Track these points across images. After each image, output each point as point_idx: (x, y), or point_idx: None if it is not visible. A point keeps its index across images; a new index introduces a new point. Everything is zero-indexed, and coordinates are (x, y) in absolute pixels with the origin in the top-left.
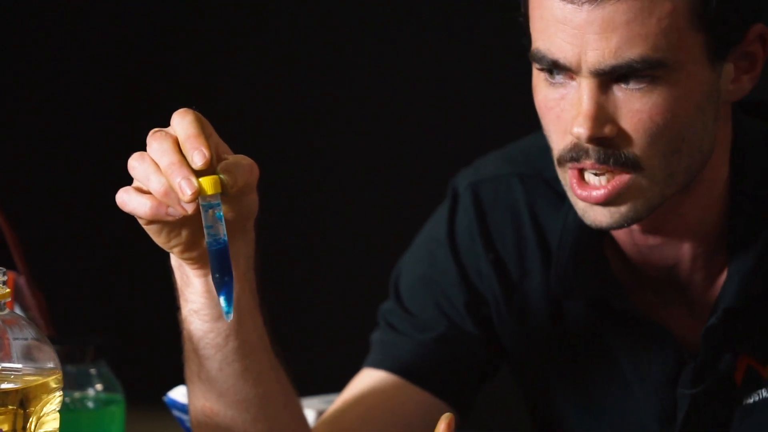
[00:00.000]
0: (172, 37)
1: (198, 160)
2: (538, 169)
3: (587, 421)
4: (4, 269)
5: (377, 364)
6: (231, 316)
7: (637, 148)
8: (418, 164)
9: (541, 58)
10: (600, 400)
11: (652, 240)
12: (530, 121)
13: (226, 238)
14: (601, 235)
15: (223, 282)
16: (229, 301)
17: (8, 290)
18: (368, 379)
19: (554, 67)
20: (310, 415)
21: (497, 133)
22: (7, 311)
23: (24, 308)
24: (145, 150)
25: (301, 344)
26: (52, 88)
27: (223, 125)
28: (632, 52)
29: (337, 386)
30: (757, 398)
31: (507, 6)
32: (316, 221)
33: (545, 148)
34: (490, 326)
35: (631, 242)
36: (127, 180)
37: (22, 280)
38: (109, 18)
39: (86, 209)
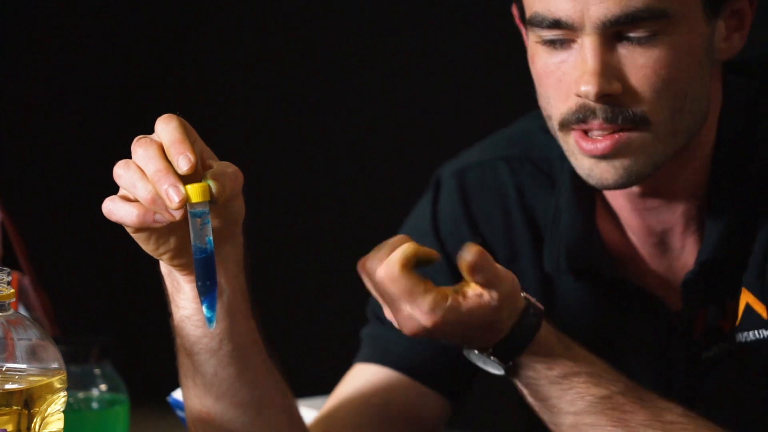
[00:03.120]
0: (171, 39)
1: (183, 165)
2: (524, 150)
3: None
4: (8, 269)
5: (368, 358)
6: (214, 324)
7: (645, 104)
8: (403, 163)
9: (541, 21)
10: None
11: (650, 203)
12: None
13: (212, 246)
14: (594, 209)
15: (206, 290)
16: (212, 308)
17: (12, 290)
18: (360, 373)
19: (556, 28)
20: (312, 415)
21: (488, 130)
22: (11, 311)
23: (28, 308)
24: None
25: (301, 345)
26: (56, 90)
27: (212, 128)
28: (637, 1)
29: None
30: (755, 337)
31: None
32: (304, 221)
33: (529, 131)
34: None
35: (629, 207)
36: None
37: (26, 281)
38: (109, 21)
39: (90, 209)
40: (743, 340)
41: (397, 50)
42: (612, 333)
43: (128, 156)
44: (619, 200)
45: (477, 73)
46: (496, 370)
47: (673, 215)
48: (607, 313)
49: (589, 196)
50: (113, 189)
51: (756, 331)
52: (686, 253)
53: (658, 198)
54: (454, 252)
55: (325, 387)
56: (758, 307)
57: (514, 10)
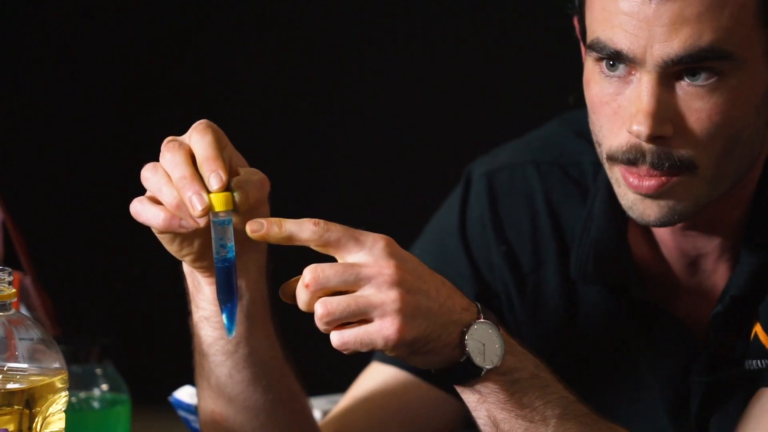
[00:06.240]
0: (181, 39)
1: (215, 183)
2: (555, 154)
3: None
4: (10, 269)
5: (385, 359)
6: (233, 333)
7: (693, 148)
8: (417, 168)
9: (601, 48)
10: (612, 391)
11: (687, 232)
12: (541, 116)
13: (233, 256)
14: (626, 221)
15: (226, 299)
16: (231, 318)
17: (14, 290)
18: (376, 374)
19: (616, 59)
20: (315, 415)
21: (510, 129)
22: (12, 311)
23: (30, 308)
24: (155, 159)
25: (306, 344)
26: (59, 90)
27: (233, 130)
28: (702, 41)
29: (343, 386)
30: (757, 366)
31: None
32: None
33: (562, 135)
34: (500, 320)
35: (663, 229)
36: (134, 182)
37: (27, 281)
38: (120, 19)
39: (92, 209)
40: (748, 368)
41: (408, 51)
42: (633, 347)
43: (133, 159)
44: None
45: (497, 71)
46: (495, 355)
47: (709, 243)
48: (629, 328)
49: (623, 209)
50: (114, 189)
51: (759, 361)
52: (717, 276)
53: (696, 230)
54: (478, 254)
55: (325, 387)
56: (763, 337)
57: (576, 23)
